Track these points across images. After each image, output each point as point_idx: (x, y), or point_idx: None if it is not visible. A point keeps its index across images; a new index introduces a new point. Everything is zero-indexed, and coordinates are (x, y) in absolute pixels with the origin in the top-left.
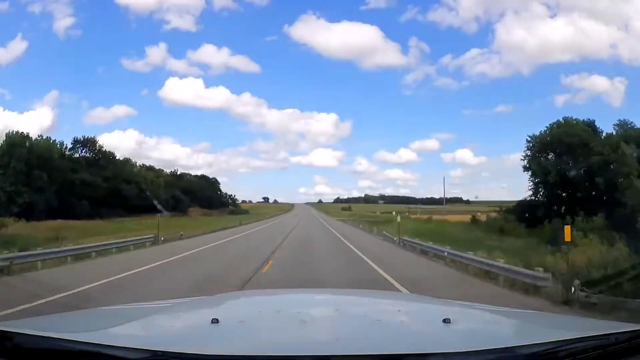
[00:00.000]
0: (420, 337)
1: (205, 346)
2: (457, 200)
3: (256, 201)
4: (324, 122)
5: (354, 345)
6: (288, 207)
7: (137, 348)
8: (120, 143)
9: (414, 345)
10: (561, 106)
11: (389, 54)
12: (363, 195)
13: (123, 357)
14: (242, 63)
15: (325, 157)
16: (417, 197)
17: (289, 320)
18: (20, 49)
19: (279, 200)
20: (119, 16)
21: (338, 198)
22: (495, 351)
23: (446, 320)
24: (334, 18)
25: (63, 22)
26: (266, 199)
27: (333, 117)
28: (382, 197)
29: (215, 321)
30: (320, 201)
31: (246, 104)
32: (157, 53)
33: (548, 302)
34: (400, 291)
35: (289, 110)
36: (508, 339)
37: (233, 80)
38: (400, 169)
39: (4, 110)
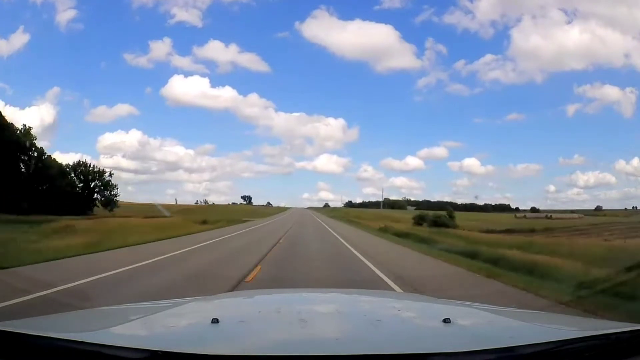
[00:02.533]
0: (420, 337)
1: (206, 346)
2: (505, 208)
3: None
4: (332, 127)
5: (354, 345)
6: (272, 212)
7: (137, 348)
8: (123, 143)
9: (414, 345)
10: (572, 116)
11: (402, 57)
12: (382, 200)
13: (123, 357)
14: (251, 61)
15: (330, 163)
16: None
17: (289, 320)
18: (22, 42)
19: (276, 203)
20: (121, 8)
21: (350, 202)
22: (495, 351)
23: (446, 320)
24: (346, 16)
25: (65, 14)
26: (248, 199)
27: (341, 122)
28: (410, 202)
29: (215, 321)
30: (326, 205)
31: (253, 106)
32: (161, 48)
33: None
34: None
35: (297, 114)
36: (508, 339)
37: (240, 80)
38: (406, 176)
39: (5, 105)
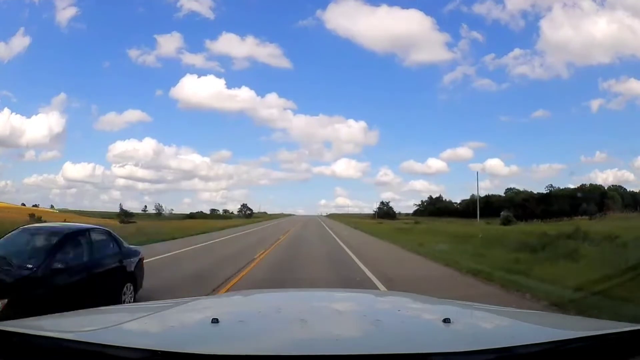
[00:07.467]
0: (421, 337)
1: (205, 346)
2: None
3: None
4: (352, 129)
5: (354, 345)
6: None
7: (137, 348)
8: (136, 151)
9: (414, 345)
10: (596, 112)
11: (432, 48)
12: (459, 202)
13: (123, 357)
14: (269, 55)
15: (349, 168)
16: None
17: (289, 320)
18: (23, 45)
19: (293, 210)
20: (126, 3)
21: (437, 197)
22: (495, 351)
23: (446, 320)
24: (372, 1)
25: (65, 12)
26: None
27: (362, 124)
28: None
29: (215, 321)
30: (387, 211)
31: (271, 107)
32: (170, 44)
33: None
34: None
35: (316, 117)
36: (508, 339)
37: (258, 78)
38: (426, 179)
39: (11, 113)
